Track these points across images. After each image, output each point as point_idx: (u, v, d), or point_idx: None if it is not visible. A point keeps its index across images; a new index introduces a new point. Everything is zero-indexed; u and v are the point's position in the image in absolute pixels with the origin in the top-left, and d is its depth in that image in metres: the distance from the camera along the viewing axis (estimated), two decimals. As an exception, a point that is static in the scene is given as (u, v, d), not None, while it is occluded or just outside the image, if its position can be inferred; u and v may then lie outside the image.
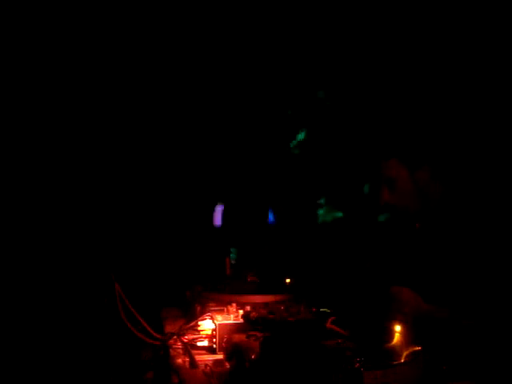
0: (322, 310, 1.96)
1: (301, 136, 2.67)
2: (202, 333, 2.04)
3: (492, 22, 2.20)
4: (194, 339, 2.03)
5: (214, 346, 1.95)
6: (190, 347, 1.97)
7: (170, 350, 2.00)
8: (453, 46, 2.26)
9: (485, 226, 1.83)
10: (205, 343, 2.02)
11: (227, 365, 1.80)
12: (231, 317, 2.01)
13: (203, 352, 1.97)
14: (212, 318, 2.02)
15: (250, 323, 1.90)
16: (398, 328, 1.66)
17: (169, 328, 2.19)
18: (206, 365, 1.83)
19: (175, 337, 2.05)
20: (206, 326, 2.04)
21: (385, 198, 2.00)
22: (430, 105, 2.20)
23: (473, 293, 1.79)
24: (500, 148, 2.00)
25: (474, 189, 1.89)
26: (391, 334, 1.65)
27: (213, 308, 2.11)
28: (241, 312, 2.04)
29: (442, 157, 1.92)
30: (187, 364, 1.88)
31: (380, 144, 2.11)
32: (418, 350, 1.59)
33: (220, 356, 1.88)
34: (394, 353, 1.59)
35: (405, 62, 2.39)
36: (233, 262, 2.48)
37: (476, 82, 2.17)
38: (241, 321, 1.97)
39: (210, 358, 1.91)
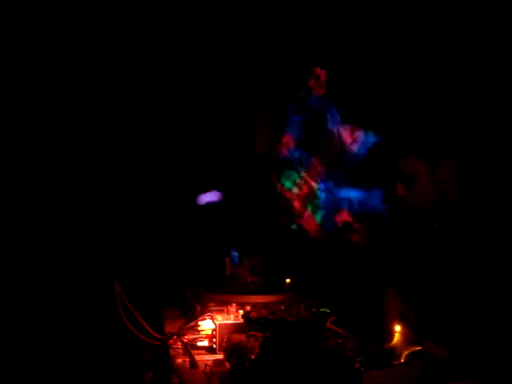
0: (321, 309, 1.96)
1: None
2: (202, 333, 2.04)
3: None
4: (194, 339, 2.03)
5: (214, 346, 1.95)
6: (190, 347, 1.97)
7: (170, 350, 2.00)
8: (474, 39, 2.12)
9: (503, 230, 1.78)
10: (205, 343, 2.02)
11: (227, 365, 1.80)
12: (231, 317, 2.02)
13: (203, 352, 1.97)
14: (212, 318, 2.02)
15: (250, 323, 1.90)
16: (397, 328, 1.67)
17: (169, 328, 2.18)
18: (206, 365, 1.83)
19: (175, 337, 2.04)
20: (206, 325, 2.04)
21: (399, 194, 1.90)
22: (453, 97, 2.04)
23: (483, 295, 1.79)
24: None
25: (496, 191, 1.81)
26: (391, 333, 1.66)
27: (213, 308, 2.11)
28: (241, 312, 2.04)
29: (465, 155, 1.81)
30: (187, 364, 1.88)
31: (399, 138, 1.96)
32: (418, 350, 1.59)
33: (220, 356, 1.88)
34: (394, 353, 1.59)
35: (423, 54, 2.22)
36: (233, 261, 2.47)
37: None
38: (241, 321, 1.97)
39: (210, 358, 1.91)
